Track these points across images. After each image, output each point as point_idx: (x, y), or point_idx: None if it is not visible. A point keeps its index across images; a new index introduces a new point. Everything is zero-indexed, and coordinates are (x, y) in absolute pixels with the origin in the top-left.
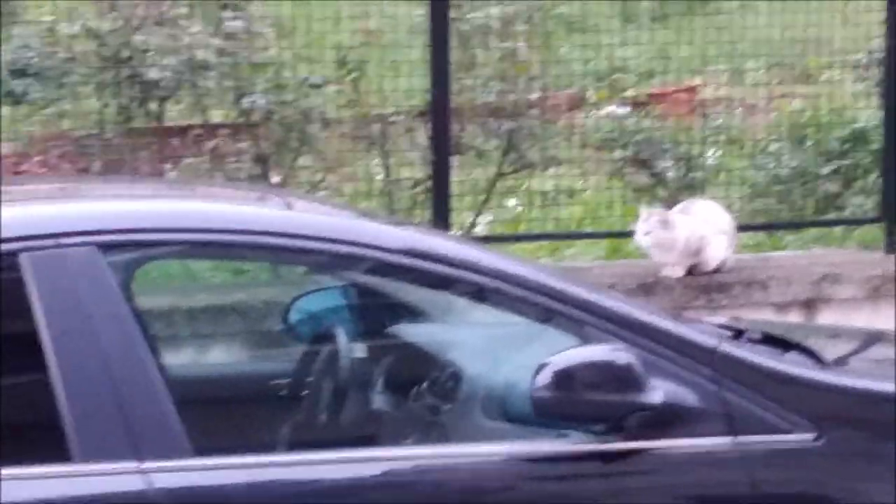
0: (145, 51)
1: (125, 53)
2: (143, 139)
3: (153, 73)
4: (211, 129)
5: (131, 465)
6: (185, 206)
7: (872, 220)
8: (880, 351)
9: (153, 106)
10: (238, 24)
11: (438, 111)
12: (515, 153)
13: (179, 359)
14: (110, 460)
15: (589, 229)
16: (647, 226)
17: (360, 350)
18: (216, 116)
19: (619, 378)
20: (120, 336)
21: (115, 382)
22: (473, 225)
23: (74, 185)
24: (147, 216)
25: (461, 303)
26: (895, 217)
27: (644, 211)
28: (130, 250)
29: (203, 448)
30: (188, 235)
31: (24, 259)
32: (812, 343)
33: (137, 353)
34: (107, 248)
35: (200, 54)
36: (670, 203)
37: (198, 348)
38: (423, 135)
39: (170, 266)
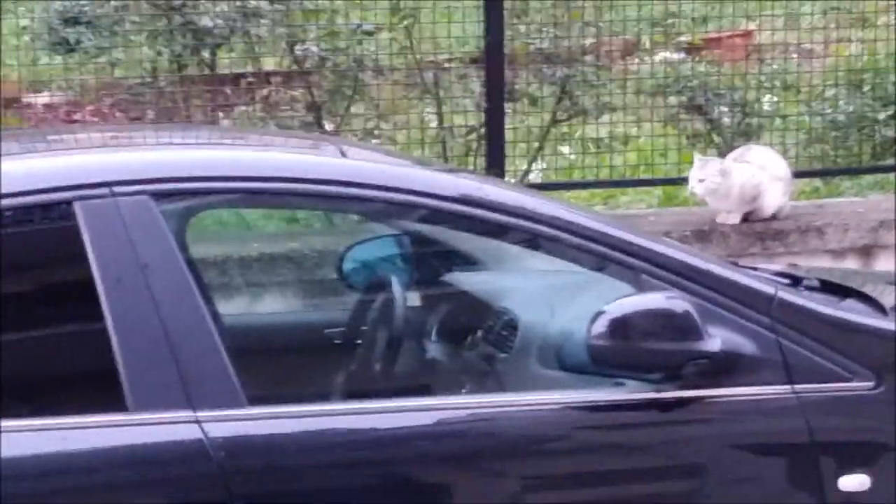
0: None
1: (177, 1)
2: (195, 87)
3: (206, 21)
4: (263, 77)
5: (186, 414)
6: (239, 155)
7: None
8: None
9: (205, 54)
10: None
11: (492, 58)
12: (569, 100)
13: (233, 308)
14: (165, 410)
15: (643, 176)
16: (702, 173)
17: (414, 299)
18: (269, 64)
19: (676, 326)
20: (173, 285)
21: (168, 332)
22: (527, 172)
23: (127, 134)
24: (200, 165)
25: (516, 251)
26: None
27: (698, 158)
28: (184, 199)
29: (257, 397)
30: (241, 184)
31: (77, 208)
32: (870, 290)
33: (191, 303)
34: (160, 196)
35: (253, 2)
36: (725, 150)
37: (251, 297)
38: (476, 82)
39: (223, 215)
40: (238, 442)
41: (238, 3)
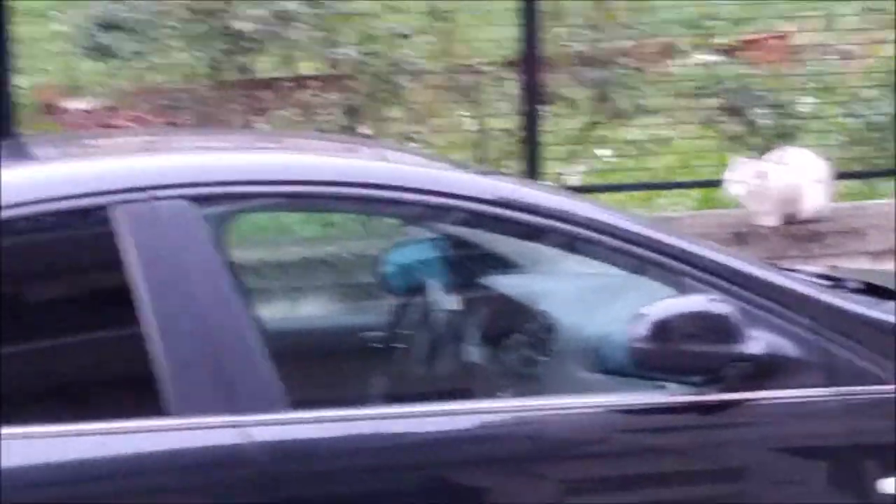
0: (234, 3)
1: (214, 6)
2: (232, 92)
3: (242, 25)
4: (300, 82)
5: (227, 418)
6: (278, 159)
7: None
8: None
9: (242, 58)
10: None
11: (529, 61)
12: (606, 102)
13: (274, 312)
14: (206, 414)
15: (681, 179)
16: (740, 175)
17: (453, 302)
18: (305, 68)
19: (717, 328)
20: (214, 289)
21: (210, 336)
22: (565, 175)
23: (166, 139)
24: (239, 169)
25: (555, 253)
26: None
27: (735, 160)
28: (223, 203)
29: (299, 401)
30: (281, 188)
31: (118, 212)
32: None
33: (232, 307)
34: (200, 200)
35: (289, 6)
36: (763, 151)
37: (292, 301)
38: (513, 85)
39: (263, 219)
40: (281, 446)
41: (274, 8)
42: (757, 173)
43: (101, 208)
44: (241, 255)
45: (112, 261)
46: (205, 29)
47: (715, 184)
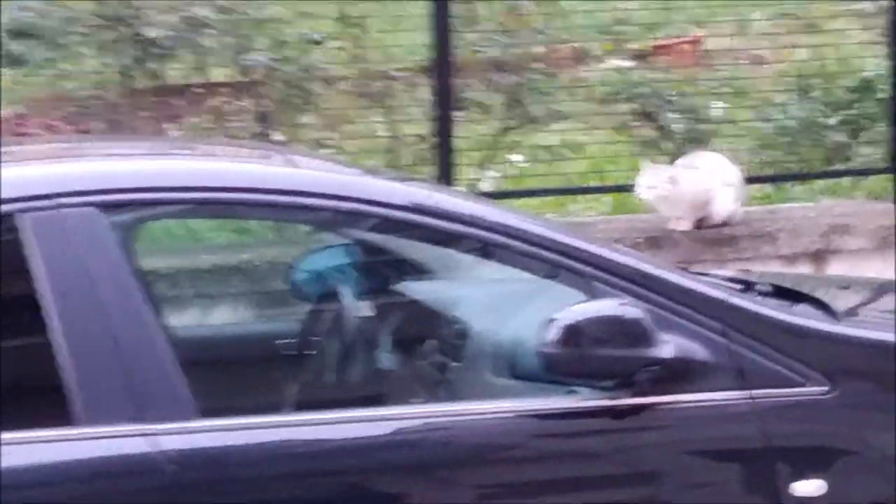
0: (145, 9)
1: (125, 12)
2: (143, 99)
3: (153, 32)
4: (212, 88)
5: (136, 427)
6: (187, 165)
7: (880, 171)
8: (891, 301)
9: (153, 65)
10: None
11: (441, 66)
12: (519, 108)
13: (183, 319)
14: (115, 423)
15: (594, 184)
16: (651, 180)
17: (366, 308)
18: (217, 75)
19: (629, 333)
20: (122, 297)
21: (118, 344)
22: (478, 181)
23: (75, 146)
24: (148, 175)
25: (468, 259)
26: None
27: (647, 165)
28: (132, 210)
29: (209, 409)
30: (190, 194)
31: (24, 220)
32: (822, 295)
33: (141, 315)
34: (108, 207)
35: (200, 12)
36: (676, 156)
37: (202, 308)
38: (426, 91)
39: (172, 225)
40: (190, 454)
41: (185, 14)
42: (669, 178)
43: (8, 216)
44: (150, 262)
45: (19, 269)
46: (115, 36)
47: (628, 188)
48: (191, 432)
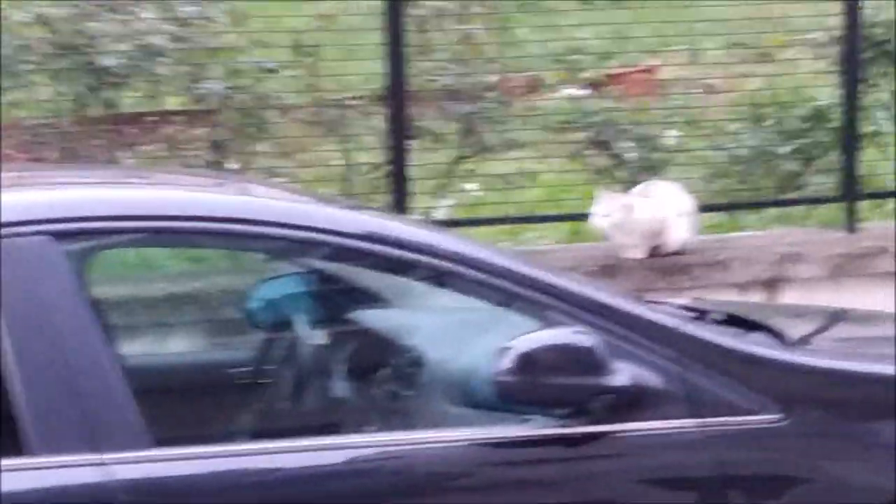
0: (98, 38)
1: (78, 41)
2: (97, 127)
3: (107, 61)
4: (166, 116)
5: (90, 457)
6: (141, 194)
7: (833, 199)
8: (843, 329)
9: (108, 93)
10: (191, 9)
11: (395, 95)
12: (474, 136)
13: (138, 348)
14: (68, 452)
15: (549, 212)
16: (606, 209)
17: (320, 337)
18: (172, 103)
19: (582, 361)
20: (76, 326)
21: (71, 373)
22: (433, 209)
23: (28, 174)
24: (102, 204)
25: (422, 288)
26: (855, 195)
27: (601, 194)
28: (86, 239)
29: (163, 439)
30: (144, 223)
31: None
32: (775, 323)
33: (94, 343)
34: (62, 236)
35: (154, 40)
36: (630, 184)
37: (157, 337)
38: (380, 119)
39: (127, 254)
40: (144, 484)
41: (140, 42)
42: (622, 206)
43: None
44: (104, 290)
45: None
46: (68, 64)
47: (582, 217)
48: (144, 461)
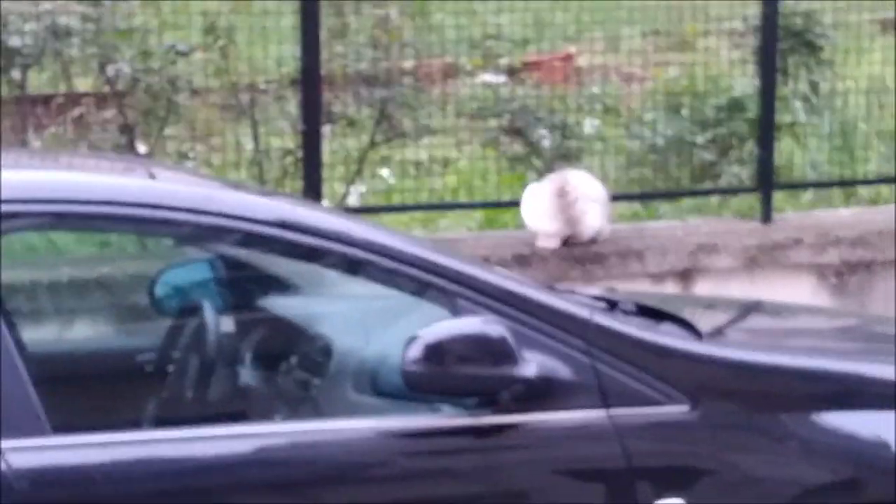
0: (6, 17)
1: None
2: (5, 108)
3: (14, 41)
4: (75, 98)
5: None
6: (46, 177)
7: (748, 189)
8: (756, 321)
9: (15, 74)
10: None
11: (309, 79)
12: (388, 122)
13: (40, 335)
14: None
15: (463, 200)
16: (527, 196)
17: (228, 324)
18: (81, 85)
19: (492, 351)
20: None
21: None
22: (345, 196)
23: None
24: (6, 186)
25: (332, 275)
26: (771, 186)
27: (529, 182)
28: None
29: (63, 426)
30: (48, 206)
31: None
32: (687, 314)
33: None
34: None
35: (63, 20)
36: (544, 172)
37: (60, 324)
38: (293, 104)
39: (30, 238)
40: (42, 472)
41: (48, 23)
42: (537, 194)
43: None
44: (7, 276)
45: None
46: None
47: (497, 205)
48: (43, 449)
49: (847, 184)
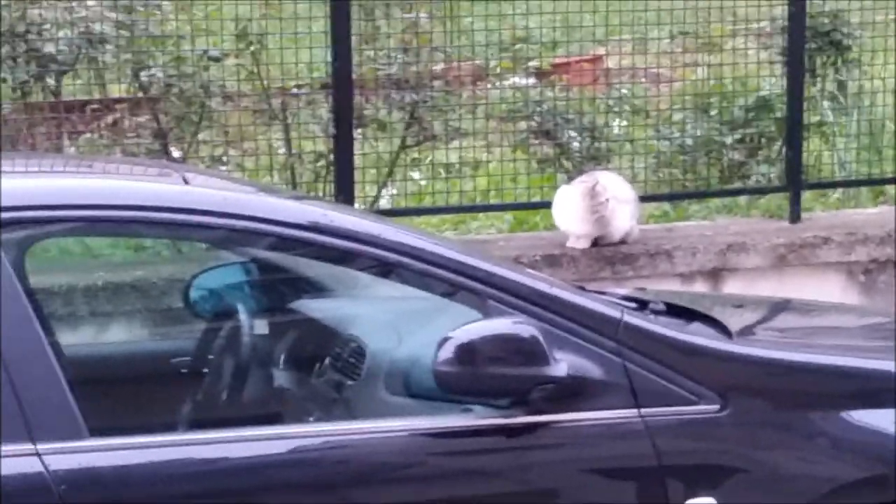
0: (41, 24)
1: (20, 28)
2: (40, 115)
3: (50, 48)
4: (109, 104)
5: (26, 447)
6: (81, 183)
7: (777, 189)
8: (785, 320)
9: (51, 81)
10: None
11: (340, 83)
12: (419, 125)
13: (76, 338)
14: (4, 443)
15: (494, 201)
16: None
17: (262, 327)
18: (115, 91)
19: (523, 351)
20: (12, 316)
21: (7, 363)
22: (377, 199)
23: None
24: (41, 193)
25: (364, 278)
26: (799, 185)
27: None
28: (23, 228)
29: (100, 429)
30: (83, 212)
31: None
32: (717, 313)
33: (30, 334)
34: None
35: (98, 27)
36: (574, 174)
37: (96, 327)
38: (325, 108)
39: (66, 243)
40: (80, 475)
41: (83, 30)
42: (568, 195)
43: None
44: (42, 280)
45: None
46: (10, 51)
47: (528, 206)
48: (81, 451)
49: (875, 182)
